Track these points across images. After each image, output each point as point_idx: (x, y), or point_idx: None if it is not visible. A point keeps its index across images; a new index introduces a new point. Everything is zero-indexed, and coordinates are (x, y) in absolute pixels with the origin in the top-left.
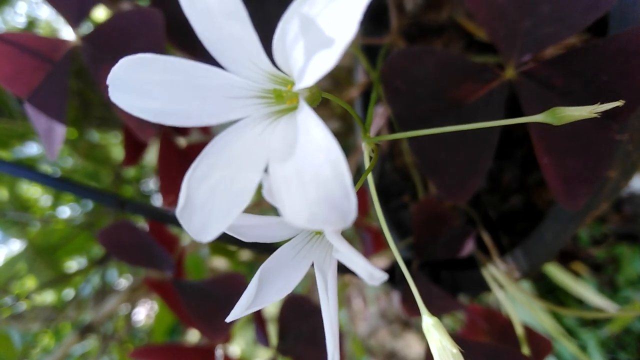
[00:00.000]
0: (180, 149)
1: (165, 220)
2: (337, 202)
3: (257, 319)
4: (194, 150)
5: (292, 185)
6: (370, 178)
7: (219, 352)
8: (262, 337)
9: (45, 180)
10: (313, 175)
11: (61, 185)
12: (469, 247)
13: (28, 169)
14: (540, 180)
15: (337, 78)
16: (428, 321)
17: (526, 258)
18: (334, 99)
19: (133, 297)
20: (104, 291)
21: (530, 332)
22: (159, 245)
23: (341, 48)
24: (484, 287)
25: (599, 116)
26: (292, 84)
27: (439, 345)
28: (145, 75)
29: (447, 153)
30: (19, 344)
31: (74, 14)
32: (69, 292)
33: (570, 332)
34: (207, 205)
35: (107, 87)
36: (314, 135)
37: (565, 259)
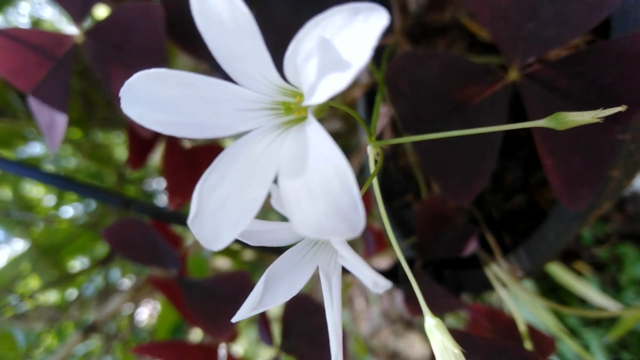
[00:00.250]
0: (185, 150)
1: (169, 219)
2: (346, 214)
3: (261, 318)
4: (200, 152)
5: (301, 198)
6: (374, 179)
7: (222, 350)
8: (265, 336)
9: (49, 179)
10: (322, 188)
11: (65, 184)
12: (472, 247)
13: (33, 169)
14: (543, 180)
15: None
16: (430, 322)
17: (529, 257)
18: (338, 106)
19: (136, 296)
20: (107, 291)
21: (533, 331)
22: (165, 242)
23: (355, 71)
24: (487, 286)
25: (601, 121)
26: (301, 96)
27: (441, 345)
28: (158, 88)
29: (451, 154)
30: (23, 343)
31: (77, 9)
32: (72, 292)
33: (573, 332)
34: (218, 215)
35: (110, 85)
36: (322, 149)
37: (568, 258)
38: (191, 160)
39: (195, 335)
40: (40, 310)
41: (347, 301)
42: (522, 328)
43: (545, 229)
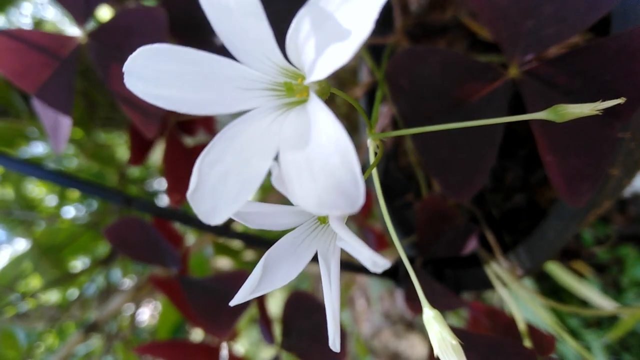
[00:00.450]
0: (186, 148)
1: (171, 217)
2: (345, 188)
3: (262, 316)
4: (200, 150)
5: (302, 174)
6: (375, 176)
7: (223, 349)
8: (266, 334)
9: (52, 177)
10: (323, 164)
11: (68, 182)
12: (472, 245)
13: (36, 167)
14: (543, 179)
15: (342, 79)
16: (429, 313)
17: (529, 256)
18: (341, 95)
19: (137, 296)
20: (109, 291)
21: (533, 330)
22: (166, 241)
23: (356, 44)
24: (487, 285)
25: (600, 113)
26: (303, 77)
27: (439, 336)
28: (161, 64)
29: (451, 151)
30: (24, 342)
31: (80, 11)
32: (73, 292)
33: (575, 334)
34: (217, 190)
35: (112, 84)
36: (323, 125)
37: (568, 257)
38: (192, 157)
39: (197, 335)
40: (42, 309)
41: (348, 302)
42: (521, 327)
43: (544, 227)
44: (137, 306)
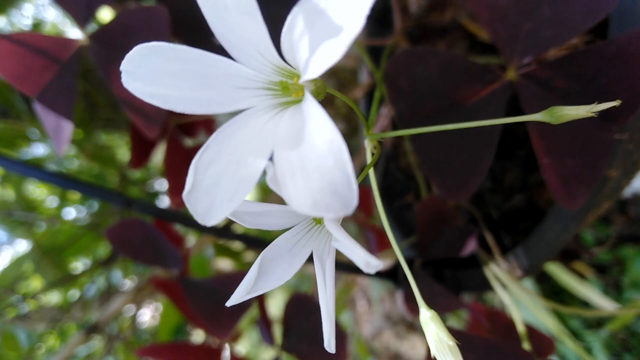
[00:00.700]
0: (187, 150)
1: (171, 219)
2: (339, 190)
3: (262, 318)
4: None
5: (296, 174)
6: (372, 177)
7: (224, 351)
8: (266, 335)
9: (53, 179)
10: (316, 164)
11: (69, 184)
12: (471, 246)
13: (36, 168)
14: (542, 180)
15: (342, 80)
16: (425, 314)
17: (527, 257)
18: (338, 95)
19: (138, 297)
20: (109, 292)
21: (532, 331)
22: (167, 242)
23: (348, 41)
24: (487, 286)
25: (595, 115)
26: (298, 76)
27: (435, 337)
28: (157, 63)
29: (448, 153)
30: (25, 344)
31: (81, 13)
32: (74, 293)
33: (575, 334)
34: (213, 190)
35: (115, 86)
36: (318, 125)
37: (568, 258)
38: (192, 159)
39: (198, 336)
40: (43, 310)
41: (349, 303)
42: (520, 328)
43: (543, 228)
44: (138, 307)
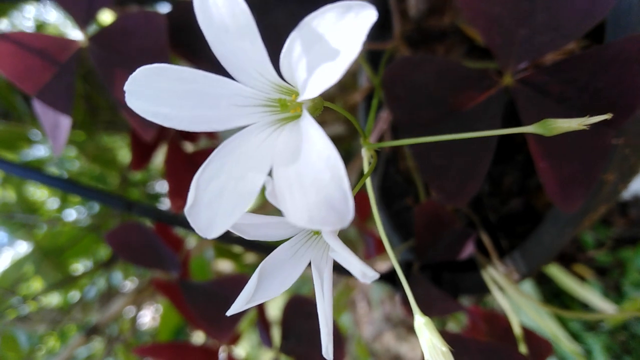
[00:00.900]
0: (187, 154)
1: (171, 222)
2: (335, 205)
3: (261, 320)
4: (202, 156)
5: (294, 189)
6: (369, 182)
7: (223, 352)
8: (265, 337)
9: (53, 182)
10: (313, 180)
11: (69, 187)
12: (469, 250)
13: (37, 171)
14: (540, 184)
15: (343, 83)
16: (419, 320)
17: (525, 260)
18: (336, 108)
19: (138, 299)
20: (110, 293)
21: (529, 334)
22: (166, 246)
23: (345, 64)
24: (484, 289)
25: (587, 128)
26: (297, 94)
27: (429, 343)
28: (160, 83)
29: (445, 158)
30: (25, 345)
31: (82, 14)
32: (74, 294)
33: (576, 337)
34: (214, 204)
35: (113, 89)
36: (315, 143)
37: (566, 261)
38: (193, 163)
39: (198, 338)
40: (43, 312)
41: (349, 305)
42: (517, 331)
43: (540, 232)
44: (139, 309)
